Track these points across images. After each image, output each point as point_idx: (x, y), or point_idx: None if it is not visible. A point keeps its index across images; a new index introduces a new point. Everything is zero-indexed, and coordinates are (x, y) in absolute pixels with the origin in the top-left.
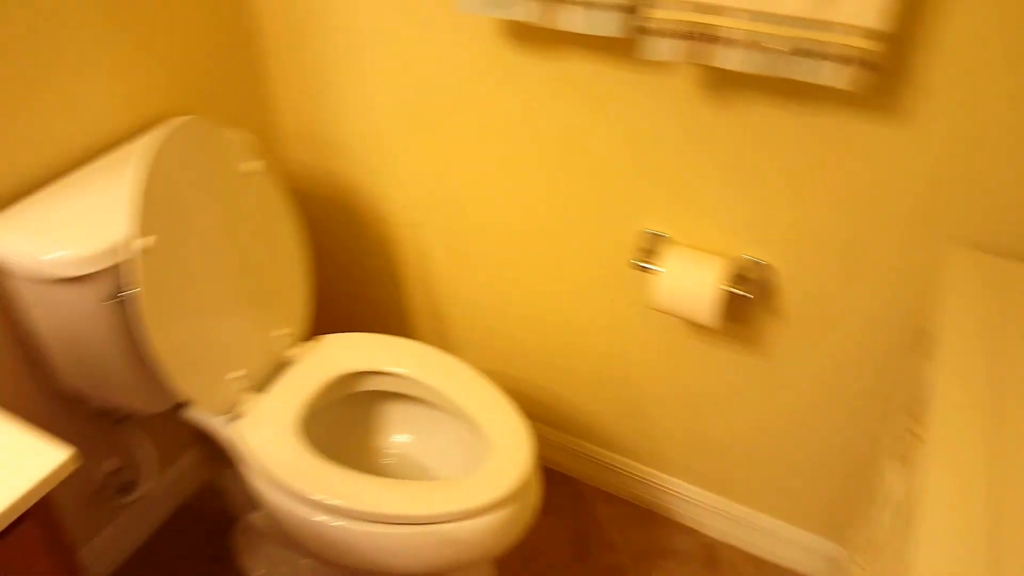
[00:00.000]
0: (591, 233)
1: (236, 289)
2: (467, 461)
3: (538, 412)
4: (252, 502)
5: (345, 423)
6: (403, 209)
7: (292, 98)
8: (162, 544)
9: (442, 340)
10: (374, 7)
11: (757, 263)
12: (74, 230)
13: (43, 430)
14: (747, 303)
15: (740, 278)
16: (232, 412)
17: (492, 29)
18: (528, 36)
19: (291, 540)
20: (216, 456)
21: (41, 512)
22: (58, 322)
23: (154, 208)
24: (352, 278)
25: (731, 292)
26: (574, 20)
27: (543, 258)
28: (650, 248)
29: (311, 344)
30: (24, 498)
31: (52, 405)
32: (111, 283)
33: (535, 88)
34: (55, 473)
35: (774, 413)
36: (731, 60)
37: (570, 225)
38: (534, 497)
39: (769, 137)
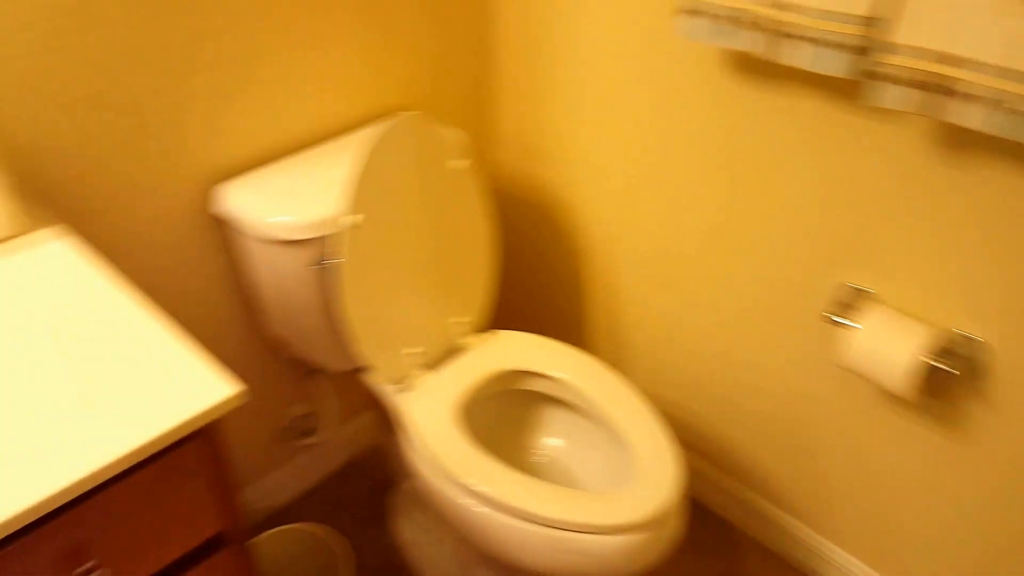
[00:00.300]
0: (785, 277)
1: (426, 273)
2: (614, 477)
3: (702, 447)
4: (408, 472)
5: (503, 416)
6: (598, 223)
7: (512, 106)
8: (328, 491)
9: (614, 356)
10: (601, 28)
11: (970, 339)
12: (297, 200)
13: (247, 366)
14: (951, 380)
15: (946, 351)
16: (403, 384)
17: (713, 57)
18: (749, 67)
19: (437, 515)
20: (387, 423)
21: (208, 435)
22: (272, 277)
23: (366, 191)
24: (537, 281)
25: (934, 365)
26: (800, 56)
27: (730, 293)
28: (848, 302)
29: (485, 336)
30: (192, 420)
31: (259, 347)
32: (320, 250)
33: (749, 120)
34: (223, 404)
35: (965, 503)
36: (969, 118)
37: (764, 265)
38: (674, 528)
39: (1003, 205)
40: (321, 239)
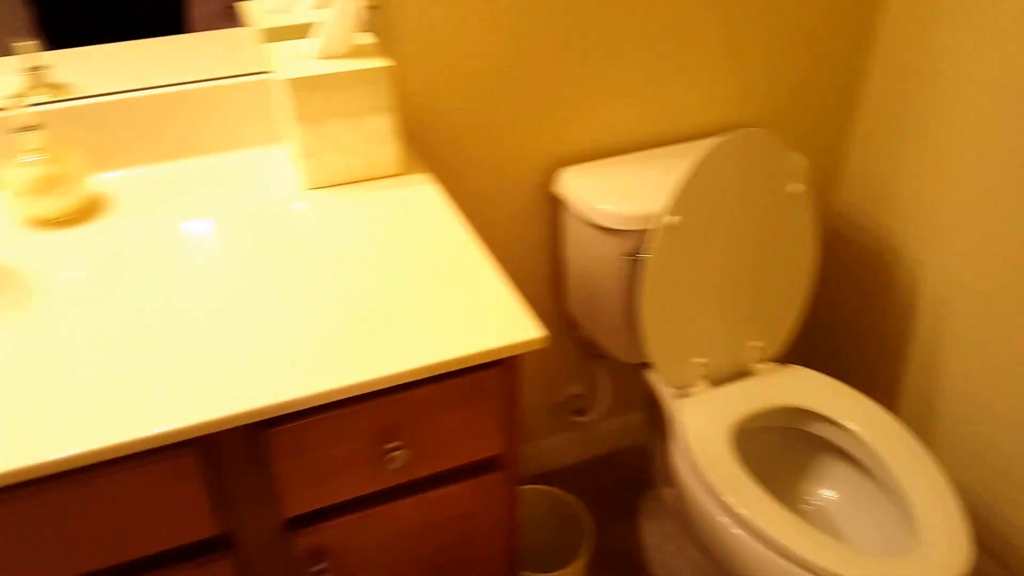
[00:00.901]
0: None
1: (732, 289)
2: (887, 546)
3: (1000, 552)
4: (669, 479)
5: (777, 453)
6: (936, 285)
7: (865, 144)
8: (585, 473)
9: (917, 421)
10: (1000, 78)
11: None
12: (625, 193)
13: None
14: None
15: None
16: (682, 391)
17: None
18: None
19: (688, 527)
20: (656, 425)
21: (510, 366)
22: (585, 258)
23: (692, 195)
24: (847, 326)
25: None
26: None
27: None
28: None
29: (778, 367)
30: (501, 349)
31: (557, 321)
32: (633, 243)
33: None
34: (527, 343)
35: None
36: None
37: None
38: None
39: None
40: (638, 233)
